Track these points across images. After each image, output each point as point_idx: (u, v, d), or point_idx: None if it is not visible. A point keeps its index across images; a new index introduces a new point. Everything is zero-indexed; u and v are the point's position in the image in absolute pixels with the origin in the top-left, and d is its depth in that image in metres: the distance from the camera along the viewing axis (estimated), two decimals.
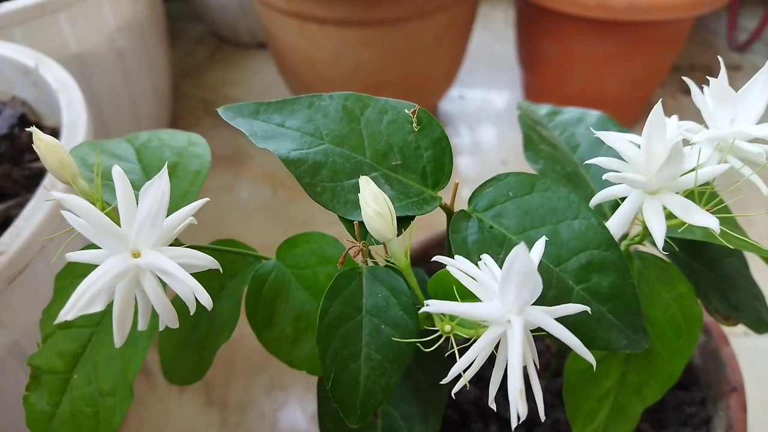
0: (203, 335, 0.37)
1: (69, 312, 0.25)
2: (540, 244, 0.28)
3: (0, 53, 0.69)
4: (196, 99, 1.22)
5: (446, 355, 0.36)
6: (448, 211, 0.34)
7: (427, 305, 0.26)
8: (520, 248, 0.24)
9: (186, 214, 0.29)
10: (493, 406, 0.27)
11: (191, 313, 0.27)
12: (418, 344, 0.29)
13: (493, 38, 1.41)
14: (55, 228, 0.51)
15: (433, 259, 0.28)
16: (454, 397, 0.50)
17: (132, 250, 0.27)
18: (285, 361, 0.35)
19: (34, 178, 0.63)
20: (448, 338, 0.29)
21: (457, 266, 0.27)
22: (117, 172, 0.28)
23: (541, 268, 0.31)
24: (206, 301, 0.27)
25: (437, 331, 0.28)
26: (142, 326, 0.29)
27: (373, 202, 0.28)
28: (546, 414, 0.49)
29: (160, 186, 0.27)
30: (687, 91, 1.18)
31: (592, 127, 0.48)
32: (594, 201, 0.33)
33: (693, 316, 0.35)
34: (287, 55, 1.01)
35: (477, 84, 1.26)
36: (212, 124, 1.15)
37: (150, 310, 0.29)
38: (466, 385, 0.50)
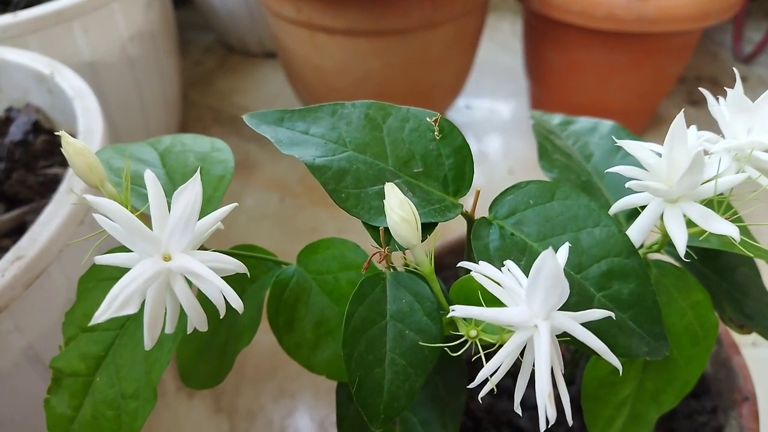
0: (223, 340, 0.37)
1: (104, 314, 0.25)
2: (564, 250, 0.28)
3: (15, 61, 0.70)
4: (205, 108, 1.23)
5: (473, 359, 0.37)
6: (469, 218, 0.34)
7: (453, 310, 0.26)
8: (548, 253, 0.24)
9: (216, 218, 0.29)
10: (518, 410, 0.27)
11: (221, 316, 0.28)
12: (445, 349, 0.30)
13: (500, 49, 1.42)
14: (71, 233, 0.51)
15: (458, 264, 0.28)
16: (467, 405, 0.50)
17: (163, 253, 0.28)
18: (305, 365, 0.35)
19: (48, 184, 0.63)
20: (471, 344, 0.29)
21: (481, 271, 0.28)
22: (150, 177, 0.28)
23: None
24: (237, 304, 0.27)
25: (460, 336, 0.28)
26: (169, 329, 0.29)
27: (399, 208, 0.29)
28: (558, 422, 0.49)
29: (193, 191, 0.28)
30: (694, 102, 1.19)
31: (605, 136, 0.49)
32: (613, 209, 0.33)
33: (709, 324, 0.35)
34: (296, 65, 1.01)
35: (484, 94, 1.27)
36: (221, 132, 1.16)
37: (178, 313, 0.29)
38: (475, 387, 0.50)
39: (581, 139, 0.49)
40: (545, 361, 0.24)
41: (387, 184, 0.29)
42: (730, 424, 0.49)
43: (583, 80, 1.01)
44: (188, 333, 0.38)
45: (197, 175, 0.28)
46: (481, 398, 0.50)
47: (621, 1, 0.87)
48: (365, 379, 0.29)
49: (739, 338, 0.53)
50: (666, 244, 0.35)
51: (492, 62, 1.36)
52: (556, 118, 0.51)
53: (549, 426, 0.42)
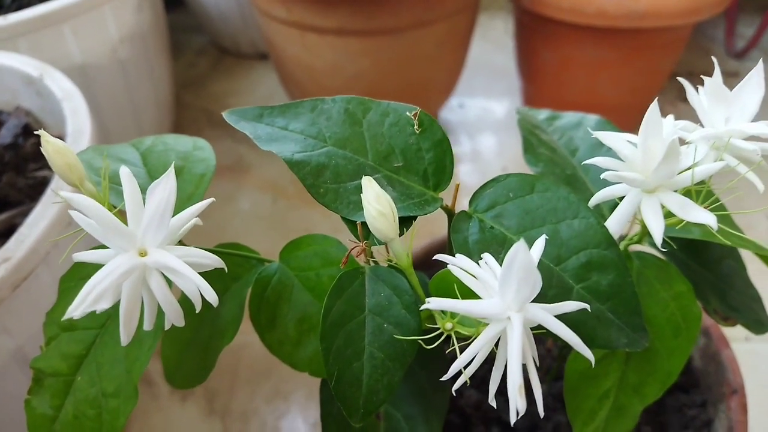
0: (206, 338, 0.37)
1: (77, 309, 0.25)
2: (540, 242, 0.28)
3: (4, 63, 0.70)
4: (199, 109, 1.23)
5: (447, 353, 0.37)
6: (450, 212, 0.34)
7: (428, 303, 0.26)
8: (519, 245, 0.24)
9: (191, 213, 0.29)
10: (493, 403, 0.27)
11: (197, 311, 0.28)
12: (420, 343, 0.30)
13: (493, 48, 1.42)
14: (58, 235, 0.51)
15: (434, 257, 0.28)
16: (455, 401, 0.50)
17: (139, 249, 0.28)
18: (287, 362, 0.35)
19: (37, 186, 0.63)
20: (450, 337, 0.29)
21: (458, 264, 0.28)
22: (125, 173, 0.28)
23: (541, 267, 0.31)
24: (212, 298, 0.27)
25: (439, 330, 0.29)
26: (147, 325, 0.29)
27: (376, 202, 0.29)
28: (547, 417, 0.49)
29: (167, 185, 0.28)
30: (686, 98, 1.19)
31: (590, 130, 0.49)
32: (593, 201, 0.33)
33: (692, 315, 0.35)
34: (288, 65, 1.01)
35: (477, 93, 1.27)
36: (214, 134, 1.16)
37: (156, 310, 0.29)
38: (466, 386, 0.50)
39: (567, 134, 0.49)
40: (517, 353, 0.24)
41: (364, 177, 0.29)
42: (719, 417, 0.49)
43: (575, 77, 1.01)
44: (166, 329, 0.38)
45: (171, 170, 0.28)
46: (470, 394, 0.50)
47: None
48: (344, 374, 0.29)
49: (731, 333, 0.53)
50: (647, 234, 0.35)
51: (485, 61, 1.36)
52: (543, 114, 0.51)
53: (537, 423, 0.42)
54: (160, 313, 0.30)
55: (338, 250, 0.35)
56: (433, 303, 0.26)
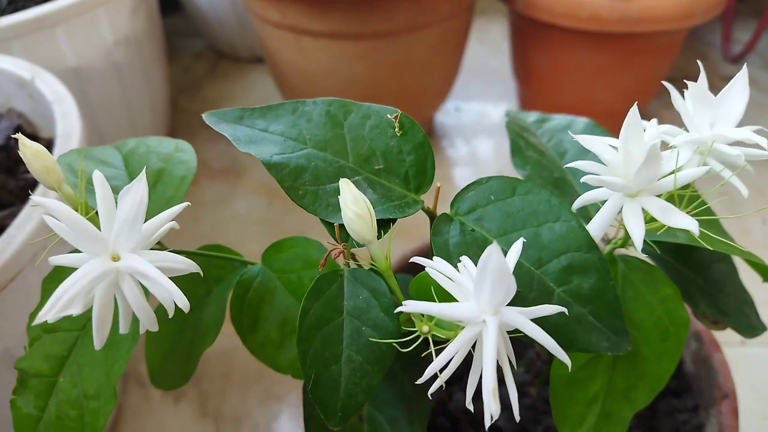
0: (188, 341, 0.37)
1: (47, 313, 0.25)
2: (517, 245, 0.28)
3: None
4: (194, 113, 1.23)
5: (425, 356, 0.37)
6: (431, 214, 0.34)
7: (404, 305, 0.26)
8: (492, 248, 0.24)
9: (166, 218, 0.29)
10: (470, 406, 0.27)
11: (170, 316, 0.28)
12: (398, 347, 0.30)
13: (489, 52, 1.42)
14: (47, 238, 0.51)
15: (411, 260, 0.28)
16: (444, 405, 0.50)
17: (111, 253, 0.28)
18: (270, 365, 0.35)
19: (28, 188, 0.63)
20: (429, 341, 0.29)
21: (435, 267, 0.27)
22: (97, 177, 0.28)
23: (522, 270, 0.31)
24: (184, 304, 0.27)
25: (417, 333, 0.28)
26: (123, 329, 0.29)
27: (353, 204, 0.28)
28: (537, 420, 0.49)
29: (138, 190, 0.27)
30: None
31: (579, 133, 0.49)
32: (576, 204, 0.33)
33: (679, 319, 0.35)
34: (283, 69, 1.01)
35: (473, 97, 1.27)
36: (209, 137, 1.16)
37: (131, 314, 0.29)
38: (455, 390, 0.50)
39: (556, 137, 0.49)
40: (491, 356, 0.24)
41: (341, 180, 0.29)
42: (710, 422, 0.49)
43: (570, 81, 1.01)
44: (150, 333, 0.38)
45: (142, 174, 0.27)
46: (459, 398, 0.50)
47: (604, 1, 0.87)
48: (321, 377, 0.29)
49: (727, 337, 0.53)
50: (629, 237, 0.35)
51: (481, 65, 1.36)
52: (532, 116, 0.51)
53: (527, 428, 0.42)
54: (136, 318, 0.30)
55: (319, 253, 0.35)
56: (409, 306, 0.26)
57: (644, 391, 0.35)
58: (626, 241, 0.36)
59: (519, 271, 0.31)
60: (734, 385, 0.49)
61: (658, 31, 0.90)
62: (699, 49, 1.39)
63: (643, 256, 0.38)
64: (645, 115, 1.13)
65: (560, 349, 0.26)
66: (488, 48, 1.43)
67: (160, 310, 0.38)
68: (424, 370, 0.37)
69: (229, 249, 0.38)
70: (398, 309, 0.26)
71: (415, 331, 0.28)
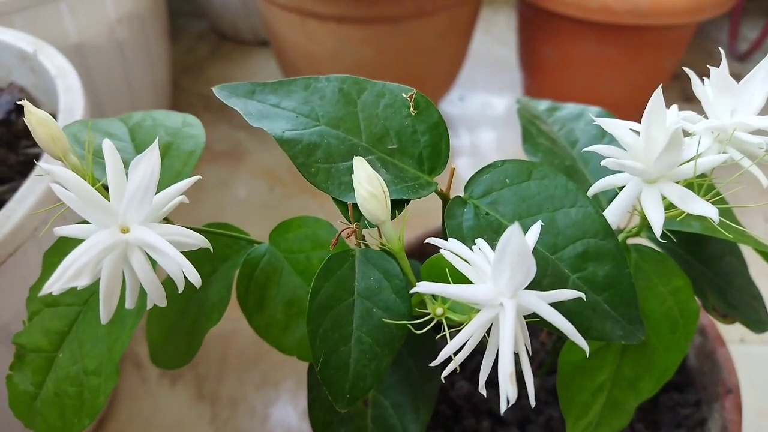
0: (192, 320, 0.36)
1: (54, 284, 0.24)
2: (535, 228, 0.27)
3: None
4: (196, 95, 1.22)
5: (438, 338, 0.36)
6: (444, 197, 0.33)
7: (418, 287, 0.25)
8: (513, 228, 0.23)
9: (177, 191, 0.28)
10: (483, 392, 0.26)
11: (179, 291, 0.27)
12: (411, 329, 0.29)
13: (495, 42, 1.41)
14: (47, 213, 0.50)
15: (426, 240, 0.27)
16: (446, 393, 0.50)
17: (121, 225, 0.27)
18: (275, 345, 0.34)
19: (29, 164, 0.62)
20: (440, 324, 0.28)
21: (450, 248, 0.27)
22: (107, 146, 0.28)
23: (537, 255, 0.30)
24: (195, 278, 0.26)
25: (430, 316, 0.28)
26: (129, 304, 0.28)
27: (367, 183, 0.28)
28: (539, 411, 0.48)
29: (150, 160, 0.27)
30: (689, 98, 1.18)
31: (591, 122, 0.48)
32: (592, 190, 0.32)
33: (689, 311, 0.35)
34: (288, 52, 1.00)
35: (478, 86, 1.26)
36: (211, 119, 1.15)
37: (138, 288, 0.29)
38: (457, 377, 0.49)
39: (567, 125, 0.48)
40: (509, 340, 0.23)
41: (355, 158, 0.28)
42: (713, 417, 0.48)
43: (577, 73, 1.00)
44: (152, 312, 0.37)
45: (155, 144, 0.27)
46: (461, 386, 0.50)
47: None
48: (330, 358, 0.28)
49: (726, 335, 0.52)
50: (646, 227, 0.34)
51: (487, 55, 1.35)
52: (543, 104, 0.51)
53: (529, 417, 0.41)
54: (143, 293, 0.29)
55: (329, 233, 0.34)
56: (424, 287, 0.25)
57: (651, 381, 0.35)
58: (640, 230, 0.35)
59: (535, 257, 0.30)
60: (738, 381, 0.49)
61: (668, 24, 0.89)
62: (705, 46, 1.38)
63: (655, 246, 0.37)
64: None
65: (578, 334, 0.25)
66: (494, 38, 1.42)
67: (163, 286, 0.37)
68: (432, 354, 0.36)
69: (235, 227, 0.37)
70: (413, 290, 0.25)
71: (426, 315, 0.28)
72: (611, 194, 0.36)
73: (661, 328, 0.35)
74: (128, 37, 0.91)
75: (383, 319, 0.28)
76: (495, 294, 0.25)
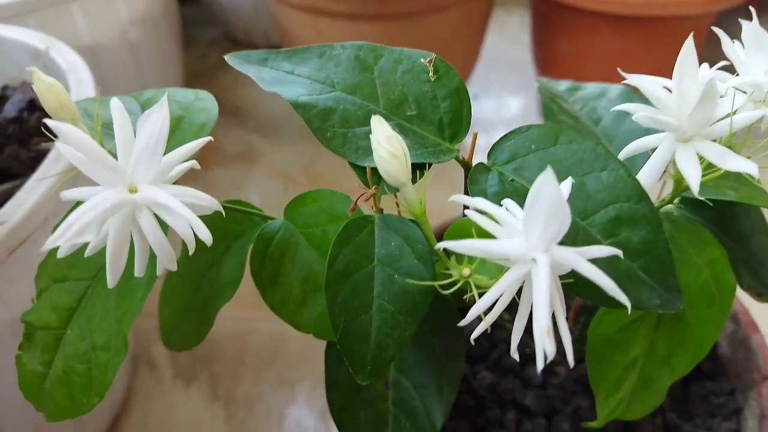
0: (205, 299, 0.35)
1: (57, 239, 0.23)
2: (566, 184, 0.26)
3: (10, 37, 0.69)
4: None
5: (456, 318, 0.34)
6: (466, 165, 0.32)
7: (442, 244, 0.24)
8: (546, 175, 0.22)
9: (187, 151, 0.27)
10: (515, 356, 0.25)
11: (190, 253, 0.26)
12: (434, 303, 0.28)
13: (509, 43, 1.40)
14: (57, 203, 0.49)
15: (451, 199, 0.26)
16: (469, 383, 0.48)
17: (129, 185, 0.26)
18: (291, 322, 0.33)
19: (40, 159, 0.62)
20: (464, 307, 0.27)
21: (476, 206, 0.25)
22: (116, 105, 0.27)
23: None
24: (206, 237, 0.25)
25: (453, 279, 0.26)
26: (139, 272, 0.27)
27: (386, 142, 0.26)
28: (566, 401, 0.46)
29: (159, 115, 0.26)
30: None
31: (614, 100, 0.46)
32: (623, 154, 0.31)
33: (725, 284, 0.33)
34: None
35: (492, 87, 1.25)
36: (224, 123, 1.14)
37: (147, 254, 0.27)
38: (478, 365, 0.47)
39: (589, 104, 0.47)
40: (544, 293, 0.22)
41: (374, 117, 0.27)
42: (750, 405, 0.46)
43: (593, 67, 0.99)
44: (166, 294, 0.36)
45: (163, 99, 0.26)
46: (485, 376, 0.48)
47: None
48: (350, 326, 0.27)
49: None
50: (679, 192, 0.33)
51: (500, 55, 1.34)
52: (563, 84, 0.49)
53: (556, 407, 0.39)
54: (152, 262, 0.28)
55: (346, 206, 0.33)
56: (449, 244, 0.24)
57: (685, 358, 0.33)
58: (673, 198, 0.33)
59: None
60: None
61: (685, 15, 0.87)
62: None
63: (688, 215, 0.35)
64: None
65: (619, 290, 0.24)
66: (507, 39, 1.41)
67: (173, 272, 0.36)
68: (455, 334, 0.35)
69: (248, 203, 0.36)
70: (438, 245, 0.24)
71: (450, 285, 0.26)
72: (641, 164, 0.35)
73: (696, 301, 0.33)
74: (141, 38, 0.91)
75: (405, 285, 0.27)
76: (527, 248, 0.23)
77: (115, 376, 0.30)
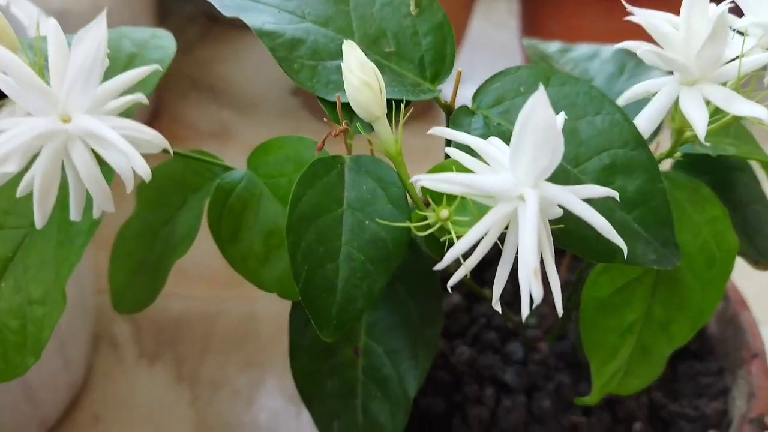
0: (158, 256, 0.32)
1: None
2: (561, 116, 0.23)
3: None
4: (184, 75, 1.18)
5: (433, 278, 0.32)
6: (448, 108, 0.29)
7: (418, 180, 0.21)
8: (537, 97, 0.19)
9: (129, 78, 0.24)
10: (498, 308, 0.22)
11: (128, 191, 0.22)
12: (408, 267, 0.25)
13: (494, 27, 1.37)
14: None
15: (430, 131, 0.23)
16: (446, 358, 0.45)
17: (62, 114, 0.23)
18: (253, 281, 0.30)
19: None
20: (443, 247, 0.24)
21: (459, 140, 0.22)
22: (51, 24, 0.23)
23: (557, 168, 0.26)
24: (144, 171, 0.22)
25: (427, 222, 0.23)
26: (74, 215, 0.24)
27: (359, 70, 0.24)
28: (549, 377, 0.44)
29: (95, 35, 0.22)
30: None
31: (608, 60, 0.44)
32: (622, 99, 0.29)
33: (727, 244, 0.31)
34: None
35: (478, 72, 1.22)
36: (198, 100, 1.10)
37: (84, 195, 0.24)
38: (456, 339, 0.45)
39: (580, 65, 0.45)
40: (531, 230, 0.19)
41: (345, 41, 0.24)
42: (738, 384, 0.44)
43: None
44: (117, 253, 0.33)
45: (102, 15, 0.22)
46: (463, 351, 0.45)
47: None
48: (314, 276, 0.24)
49: None
50: (679, 145, 0.30)
51: (486, 41, 1.32)
52: (554, 46, 0.47)
53: (537, 384, 0.36)
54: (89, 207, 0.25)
55: (314, 153, 0.30)
56: (425, 179, 0.21)
57: (685, 324, 0.31)
58: (672, 151, 0.31)
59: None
60: (764, 345, 0.45)
61: None
62: None
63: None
64: None
65: (614, 231, 0.21)
66: (493, 24, 1.39)
67: (127, 228, 0.33)
68: (433, 296, 0.32)
69: (209, 153, 0.33)
70: (413, 179, 0.21)
71: (426, 229, 0.23)
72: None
73: (696, 262, 0.30)
74: (113, 7, 0.86)
75: (377, 232, 0.24)
76: (514, 183, 0.20)
77: (52, 332, 0.27)
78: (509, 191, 0.20)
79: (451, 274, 0.22)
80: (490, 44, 1.30)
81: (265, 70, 1.19)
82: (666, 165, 0.34)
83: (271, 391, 0.69)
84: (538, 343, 0.46)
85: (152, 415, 0.66)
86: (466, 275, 0.22)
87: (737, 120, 0.27)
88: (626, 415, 0.42)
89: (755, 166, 0.38)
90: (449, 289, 0.22)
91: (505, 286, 0.22)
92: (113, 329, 0.74)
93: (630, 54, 0.43)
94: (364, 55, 0.24)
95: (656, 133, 0.32)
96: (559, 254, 0.33)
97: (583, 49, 0.45)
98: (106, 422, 0.65)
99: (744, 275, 0.41)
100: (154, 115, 1.01)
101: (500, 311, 0.21)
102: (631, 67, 0.42)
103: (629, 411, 0.42)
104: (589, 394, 0.33)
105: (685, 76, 0.26)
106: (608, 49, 0.44)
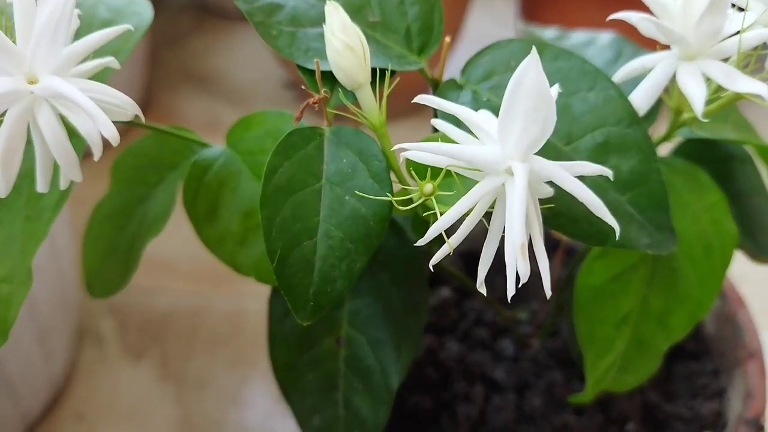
0: (131, 237, 0.31)
1: None
2: (555, 87, 0.22)
3: None
4: (176, 67, 1.16)
5: (419, 265, 0.30)
6: (435, 82, 0.28)
7: (399, 148, 0.20)
8: (529, 61, 0.18)
9: (98, 39, 0.23)
10: (482, 290, 0.21)
11: (96, 158, 0.21)
12: (391, 253, 0.23)
13: (492, 22, 1.36)
14: None
15: (414, 100, 0.21)
16: (435, 354, 0.44)
17: (28, 75, 0.21)
18: (229, 263, 0.28)
19: None
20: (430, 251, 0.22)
21: (445, 108, 0.21)
22: None
23: (547, 146, 0.25)
24: (112, 135, 0.20)
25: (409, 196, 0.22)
26: (42, 186, 0.23)
27: (342, 32, 0.22)
28: (539, 374, 0.42)
29: None
30: None
31: (605, 47, 0.43)
32: (618, 76, 0.27)
33: (726, 232, 0.29)
34: None
35: None
36: (191, 92, 1.09)
37: (51, 166, 0.23)
38: (445, 335, 0.43)
39: (577, 52, 0.43)
40: (519, 205, 0.18)
41: (328, 2, 0.22)
42: (734, 384, 0.43)
43: None
44: (90, 235, 0.31)
45: None
46: (451, 347, 0.44)
47: None
48: (290, 254, 0.22)
49: None
50: (677, 127, 0.29)
51: (484, 35, 1.30)
52: (550, 33, 0.46)
53: (528, 382, 0.35)
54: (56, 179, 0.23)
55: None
56: (409, 146, 0.19)
57: (683, 317, 0.29)
58: (669, 134, 0.30)
59: (543, 147, 0.25)
60: (761, 345, 0.44)
61: None
62: None
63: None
64: None
65: (606, 209, 0.20)
66: (491, 18, 1.38)
67: (100, 208, 0.32)
68: (418, 284, 0.31)
69: (188, 130, 0.31)
70: (398, 146, 0.20)
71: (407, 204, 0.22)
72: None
73: (694, 251, 0.29)
74: None
75: (357, 209, 0.23)
76: (502, 155, 0.19)
77: (19, 311, 0.25)
78: (497, 164, 0.19)
79: (439, 269, 0.21)
80: (488, 39, 1.29)
81: (258, 62, 1.18)
82: (664, 152, 0.33)
83: (257, 389, 0.67)
84: (529, 340, 0.44)
85: (137, 412, 0.65)
86: (457, 269, 0.20)
87: (736, 99, 0.25)
88: (619, 415, 0.41)
89: (756, 159, 0.37)
90: (438, 283, 0.20)
91: (496, 281, 0.21)
92: (98, 324, 0.72)
93: (627, 41, 0.42)
94: (347, 16, 0.22)
95: (654, 115, 0.31)
96: (551, 250, 0.32)
97: (579, 35, 0.44)
98: (90, 419, 0.63)
99: (744, 275, 0.39)
100: (145, 106, 1.00)
101: (485, 293, 0.20)
102: (629, 53, 0.41)
103: (622, 411, 0.41)
104: (582, 392, 0.31)
105: (683, 49, 0.25)
106: (605, 36, 0.43)
